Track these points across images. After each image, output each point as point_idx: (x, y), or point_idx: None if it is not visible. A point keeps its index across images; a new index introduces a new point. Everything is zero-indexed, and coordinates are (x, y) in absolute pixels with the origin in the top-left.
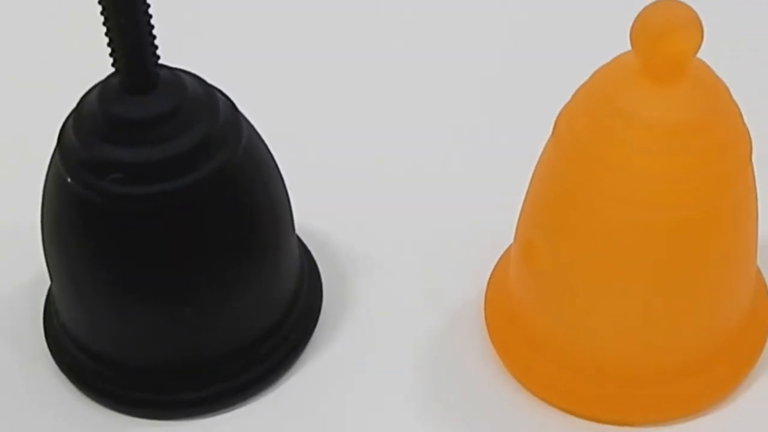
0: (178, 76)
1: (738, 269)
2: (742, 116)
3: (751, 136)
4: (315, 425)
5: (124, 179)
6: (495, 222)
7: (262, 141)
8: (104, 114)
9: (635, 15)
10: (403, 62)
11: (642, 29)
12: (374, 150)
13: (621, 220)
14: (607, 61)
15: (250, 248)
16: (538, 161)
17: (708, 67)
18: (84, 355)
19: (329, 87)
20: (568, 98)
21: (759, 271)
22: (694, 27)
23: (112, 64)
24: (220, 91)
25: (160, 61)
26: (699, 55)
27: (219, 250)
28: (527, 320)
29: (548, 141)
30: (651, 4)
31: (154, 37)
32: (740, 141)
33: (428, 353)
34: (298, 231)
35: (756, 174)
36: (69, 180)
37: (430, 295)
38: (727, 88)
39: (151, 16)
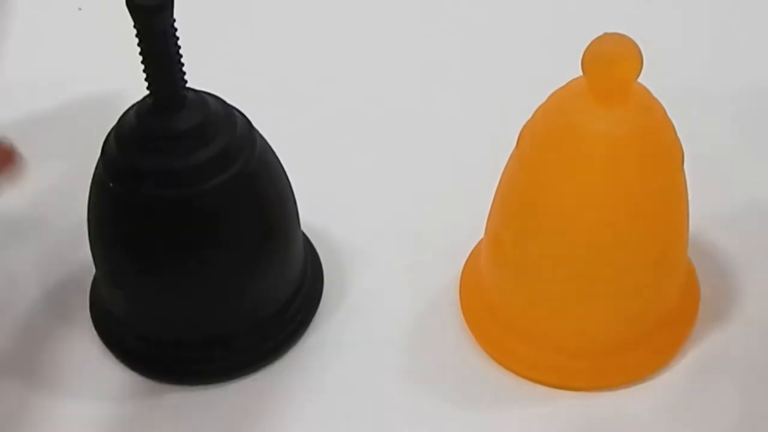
0: (202, 97)
1: (672, 258)
2: (675, 131)
3: (683, 147)
4: (316, 391)
5: (157, 184)
6: (469, 219)
7: (273, 151)
8: (141, 129)
9: (586, 46)
10: (389, 80)
11: (592, 58)
12: (370, 157)
13: (571, 217)
14: (562, 84)
15: (262, 241)
16: (505, 168)
17: (647, 90)
18: (123, 330)
19: (326, 106)
20: (529, 116)
21: (690, 260)
22: (635, 57)
23: (147, 87)
24: (237, 109)
25: (187, 85)
26: (639, 79)
27: (236, 243)
28: (494, 300)
29: (513, 151)
30: (599, 37)
31: (182, 64)
32: (673, 151)
33: (412, 330)
34: (303, 227)
35: (687, 179)
36: (111, 184)
37: (414, 280)
38: (662, 107)
39: (179, 47)
